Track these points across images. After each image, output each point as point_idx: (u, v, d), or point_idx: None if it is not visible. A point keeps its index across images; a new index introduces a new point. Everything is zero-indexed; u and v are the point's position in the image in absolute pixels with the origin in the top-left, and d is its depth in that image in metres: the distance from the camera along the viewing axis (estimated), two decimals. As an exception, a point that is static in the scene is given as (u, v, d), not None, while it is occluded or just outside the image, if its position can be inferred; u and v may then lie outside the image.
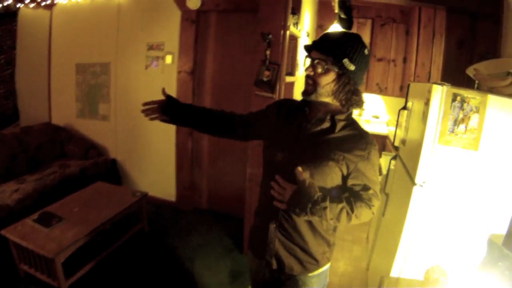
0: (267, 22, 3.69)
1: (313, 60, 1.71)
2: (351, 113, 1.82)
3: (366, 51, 1.71)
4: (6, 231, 3.62)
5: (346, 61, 1.65)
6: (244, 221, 4.17)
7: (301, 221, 1.87)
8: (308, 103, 1.81)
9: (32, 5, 5.41)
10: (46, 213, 3.93)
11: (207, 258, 4.19)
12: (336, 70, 1.67)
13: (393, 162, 3.52)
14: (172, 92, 4.86)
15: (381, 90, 6.41)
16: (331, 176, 1.75)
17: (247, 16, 4.50)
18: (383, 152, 5.04)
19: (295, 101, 1.98)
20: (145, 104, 2.32)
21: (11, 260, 3.72)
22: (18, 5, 5.26)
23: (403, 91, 6.21)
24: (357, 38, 1.72)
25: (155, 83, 5.03)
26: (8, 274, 3.72)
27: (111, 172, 5.58)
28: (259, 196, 2.06)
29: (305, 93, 1.75)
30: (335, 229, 2.00)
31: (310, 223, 1.89)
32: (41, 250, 3.34)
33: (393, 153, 3.99)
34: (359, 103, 1.77)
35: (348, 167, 1.75)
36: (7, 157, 4.92)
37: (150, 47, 4.98)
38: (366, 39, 6.35)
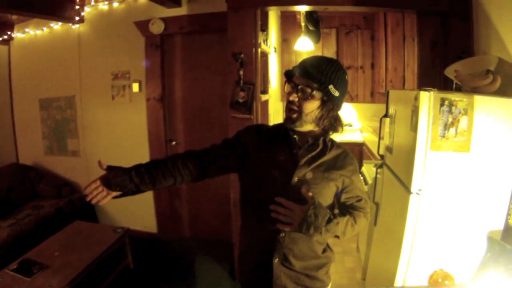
0: (237, 41, 3.70)
1: (297, 85, 1.71)
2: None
3: (345, 76, 1.77)
4: None
5: (331, 87, 1.68)
6: (233, 245, 4.13)
7: (304, 247, 1.89)
8: (290, 128, 1.81)
9: None
10: (26, 261, 3.79)
11: None
12: (322, 96, 1.71)
13: (379, 170, 3.53)
14: (143, 121, 4.80)
15: (352, 98, 6.49)
16: (330, 195, 1.84)
17: (213, 37, 4.52)
18: (364, 161, 5.07)
19: (270, 127, 1.99)
20: (86, 188, 1.86)
21: None
22: None
23: (374, 97, 6.29)
24: (337, 63, 1.76)
25: (124, 113, 4.99)
26: None
27: (87, 209, 5.47)
28: (247, 234, 2.02)
29: (288, 120, 1.76)
30: (329, 245, 2.05)
31: (311, 247, 1.91)
32: None
33: (374, 161, 4.01)
34: (339, 128, 1.85)
35: (343, 183, 1.86)
36: None
37: (115, 76, 4.93)
38: (332, 48, 6.43)
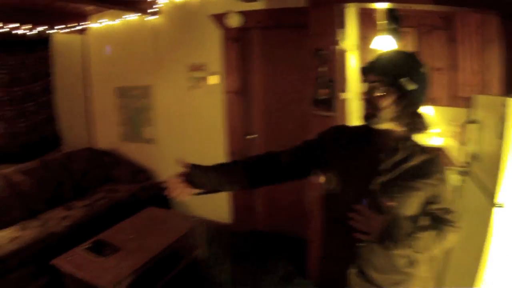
0: (317, 37, 3.56)
1: (370, 82, 1.66)
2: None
3: (423, 69, 1.66)
4: (57, 260, 3.54)
5: (403, 80, 1.59)
6: (307, 243, 3.93)
7: (383, 259, 1.75)
8: (371, 130, 1.73)
9: (63, 31, 5.53)
10: (98, 242, 3.84)
11: (269, 285, 3.97)
12: (395, 91, 1.62)
13: (462, 178, 3.27)
14: (222, 114, 4.77)
15: (429, 101, 6.06)
16: (413, 206, 1.71)
17: (289, 32, 4.43)
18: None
19: (351, 128, 1.93)
20: (168, 182, 1.95)
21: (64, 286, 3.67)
22: (50, 31, 5.35)
23: (453, 101, 5.86)
24: (411, 56, 1.68)
25: (201, 104, 5.01)
26: None
27: (160, 196, 5.27)
28: (327, 238, 1.97)
29: (366, 118, 1.70)
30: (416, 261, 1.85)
31: (391, 260, 1.77)
32: (97, 282, 3.22)
33: (455, 168, 3.66)
34: (423, 127, 1.71)
35: (429, 193, 1.72)
36: (53, 184, 4.92)
37: (192, 68, 4.97)
38: (410, 48, 6.05)
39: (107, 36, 5.72)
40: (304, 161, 1.90)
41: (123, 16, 5.37)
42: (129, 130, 5.81)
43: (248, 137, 4.79)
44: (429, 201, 1.73)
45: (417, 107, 1.68)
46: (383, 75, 1.61)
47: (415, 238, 1.63)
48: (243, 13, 4.49)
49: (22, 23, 4.87)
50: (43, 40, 5.37)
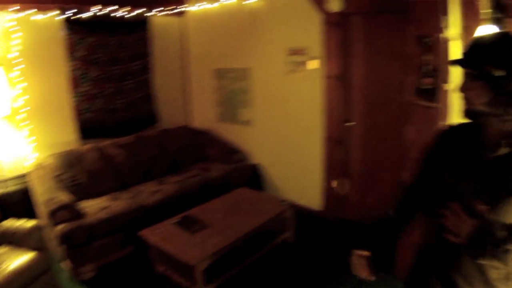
0: (421, 24, 3.27)
1: (466, 73, 1.46)
2: None
3: None
4: (146, 232, 3.61)
5: (490, 67, 1.35)
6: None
7: (472, 268, 1.51)
8: (475, 126, 1.52)
9: (163, 13, 5.65)
10: (188, 217, 3.83)
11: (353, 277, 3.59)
12: (482, 80, 1.38)
13: None
14: (320, 99, 4.56)
15: None
16: None
17: (392, 18, 4.07)
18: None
19: (454, 127, 1.70)
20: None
21: (147, 258, 3.74)
22: (149, 13, 5.49)
23: None
24: (504, 36, 1.41)
25: (300, 89, 4.79)
26: (142, 272, 3.78)
27: (254, 177, 5.38)
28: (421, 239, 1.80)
29: (465, 113, 1.49)
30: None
31: (482, 269, 1.50)
32: (183, 256, 3.21)
33: None
34: None
35: None
36: (148, 159, 5.01)
37: (292, 52, 4.76)
38: None
39: (205, 18, 5.73)
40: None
41: (220, 0, 5.34)
42: (226, 111, 5.78)
43: (347, 124, 4.51)
44: None
45: None
46: (469, 65, 1.43)
47: (502, 251, 1.37)
48: (344, -3, 4.27)
49: (121, 5, 5.02)
50: (142, 22, 5.49)
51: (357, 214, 4.69)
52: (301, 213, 4.76)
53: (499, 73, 1.34)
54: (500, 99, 1.37)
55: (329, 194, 4.76)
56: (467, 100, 1.44)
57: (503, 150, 1.43)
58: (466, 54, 1.45)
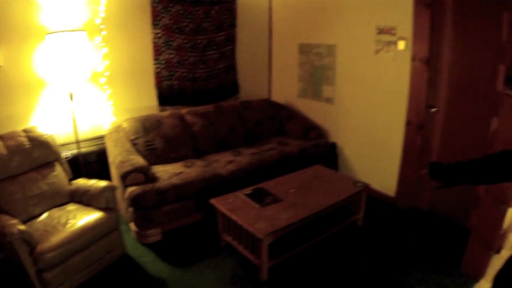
0: None
1: None
2: None
3: None
4: (216, 200, 3.56)
5: None
6: (470, 234, 3.25)
7: None
8: None
9: None
10: (260, 190, 3.74)
11: (423, 271, 3.36)
12: None
13: None
14: (405, 82, 4.26)
15: None
16: None
17: (488, 1, 3.62)
18: None
19: None
20: None
21: (213, 227, 3.75)
22: None
23: None
24: None
25: (386, 70, 4.45)
26: (207, 241, 3.77)
27: (330, 156, 5.16)
28: None
29: None
30: None
31: None
32: (251, 228, 3.11)
33: None
34: None
35: None
36: (226, 129, 4.94)
37: (380, 31, 4.42)
38: None
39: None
40: None
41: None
42: (308, 87, 5.55)
43: (433, 110, 4.12)
44: None
45: None
46: None
47: None
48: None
49: None
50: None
51: (430, 204, 4.41)
52: (372, 197, 4.56)
53: None
54: None
55: (403, 182, 4.48)
56: None
57: None
58: None
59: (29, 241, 2.74)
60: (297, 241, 3.48)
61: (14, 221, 2.85)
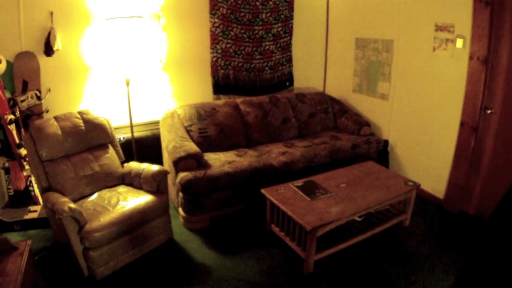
0: None
1: None
2: None
3: None
4: (267, 190, 3.44)
5: None
6: None
7: None
8: None
9: None
10: (311, 182, 3.59)
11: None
12: None
13: None
14: (462, 81, 4.00)
15: None
16: None
17: None
18: None
19: None
20: None
21: (262, 217, 3.70)
22: None
23: None
24: None
25: (442, 68, 4.18)
26: (255, 230, 3.70)
27: (382, 153, 4.93)
28: None
29: None
30: None
31: None
32: (300, 220, 2.97)
33: None
34: None
35: None
36: (279, 120, 4.79)
37: (438, 28, 4.15)
38: None
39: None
40: None
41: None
42: (363, 82, 5.30)
43: (489, 111, 3.79)
44: None
45: None
46: None
47: None
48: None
49: None
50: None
51: (476, 209, 4.14)
52: (420, 197, 4.37)
53: None
54: None
55: (453, 185, 4.21)
56: None
57: None
58: None
59: (78, 220, 2.71)
60: (343, 236, 3.32)
61: (65, 199, 2.84)
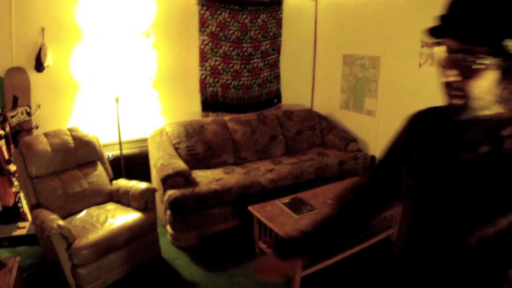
0: None
1: (451, 54, 0.98)
2: None
3: None
4: (254, 208, 3.50)
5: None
6: None
7: None
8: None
9: None
10: (298, 199, 3.66)
11: None
12: (498, 62, 0.91)
13: None
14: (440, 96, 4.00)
15: None
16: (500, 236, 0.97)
17: None
18: None
19: (431, 112, 1.31)
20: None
21: (250, 234, 3.68)
22: None
23: None
24: None
25: (429, 83, 4.27)
26: (243, 247, 3.71)
27: (369, 169, 4.83)
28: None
29: (452, 110, 1.05)
30: None
31: None
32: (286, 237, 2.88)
33: None
34: None
35: None
36: (267, 138, 4.87)
37: (424, 44, 4.30)
38: None
39: (337, 3, 5.42)
40: (390, 182, 1.34)
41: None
42: (350, 98, 5.42)
43: None
44: None
45: None
46: (474, 40, 0.94)
47: None
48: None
49: None
50: (276, 2, 5.36)
51: None
52: None
53: None
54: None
55: None
56: (460, 91, 1.00)
57: (484, 149, 1.02)
58: (463, 19, 0.96)
59: (67, 237, 2.75)
60: (332, 251, 3.37)
61: (54, 216, 2.88)
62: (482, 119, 1.02)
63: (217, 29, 4.87)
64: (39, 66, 3.86)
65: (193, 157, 4.28)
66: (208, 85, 4.99)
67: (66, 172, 3.38)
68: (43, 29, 3.85)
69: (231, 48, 5.05)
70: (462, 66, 0.96)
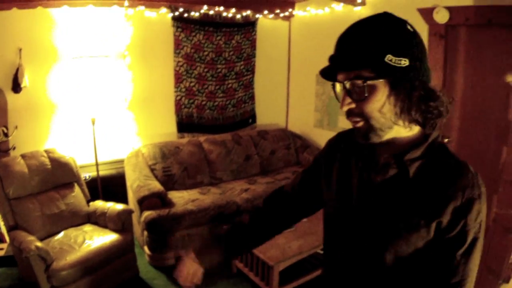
0: None
1: (344, 84, 1.10)
2: (437, 136, 1.15)
3: (409, 28, 1.13)
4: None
5: (390, 57, 1.02)
6: None
7: None
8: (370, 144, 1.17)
9: (270, 16, 5.59)
10: None
11: None
12: (382, 79, 1.04)
13: None
14: None
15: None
16: (417, 256, 1.09)
17: (502, 32, 3.72)
18: None
19: (352, 133, 1.28)
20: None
21: None
22: (257, 15, 5.50)
23: None
24: (384, 18, 1.10)
25: None
26: (220, 267, 3.64)
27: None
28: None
29: (360, 136, 1.14)
30: None
31: None
32: (262, 255, 3.17)
33: None
34: (441, 111, 1.13)
35: (437, 229, 1.07)
36: (242, 158, 5.00)
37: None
38: None
39: (310, 23, 5.60)
40: (310, 192, 1.47)
41: (332, 5, 5.15)
42: (324, 117, 5.59)
43: (446, 140, 4.16)
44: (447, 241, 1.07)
45: (425, 87, 1.11)
46: (355, 64, 1.07)
47: None
48: (451, 8, 3.96)
49: (227, 7, 5.05)
50: (250, 23, 5.51)
51: None
52: None
53: (403, 62, 1.03)
54: (412, 99, 1.06)
55: None
56: (360, 115, 1.09)
57: (392, 171, 1.12)
58: (344, 51, 1.12)
59: (45, 258, 2.81)
60: (309, 269, 3.48)
61: (32, 237, 2.94)
62: (390, 142, 1.12)
63: (192, 50, 4.99)
64: (16, 87, 3.89)
65: (169, 178, 4.37)
66: (183, 106, 5.09)
67: (44, 193, 3.43)
68: (20, 49, 3.89)
69: (205, 69, 5.17)
70: (354, 92, 1.07)
